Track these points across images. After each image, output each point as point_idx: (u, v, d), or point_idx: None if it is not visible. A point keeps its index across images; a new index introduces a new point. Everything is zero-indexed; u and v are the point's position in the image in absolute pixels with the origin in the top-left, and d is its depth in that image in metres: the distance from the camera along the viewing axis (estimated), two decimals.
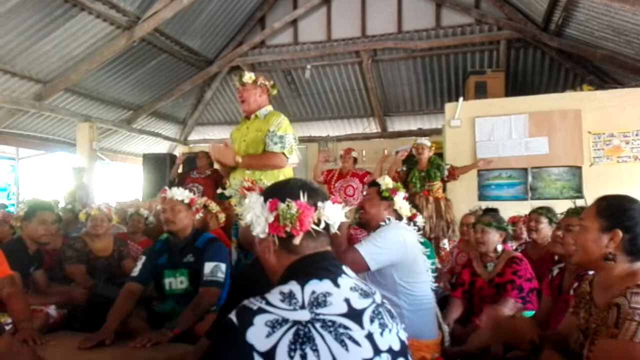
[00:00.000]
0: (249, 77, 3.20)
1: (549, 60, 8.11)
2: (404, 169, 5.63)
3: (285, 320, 1.00)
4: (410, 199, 5.07)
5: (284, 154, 3.10)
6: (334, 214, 1.21)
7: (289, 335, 0.98)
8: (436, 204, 5.32)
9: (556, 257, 3.40)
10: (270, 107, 3.31)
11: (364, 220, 2.64)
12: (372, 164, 6.76)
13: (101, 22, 6.72)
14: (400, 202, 2.63)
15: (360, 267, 2.27)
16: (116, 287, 3.48)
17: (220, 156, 3.10)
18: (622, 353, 1.34)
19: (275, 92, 3.34)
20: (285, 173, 3.17)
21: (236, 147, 3.24)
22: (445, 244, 5.12)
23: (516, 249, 3.74)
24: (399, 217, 2.61)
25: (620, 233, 1.50)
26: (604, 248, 1.52)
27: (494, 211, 3.69)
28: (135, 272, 2.78)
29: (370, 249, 2.32)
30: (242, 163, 3.06)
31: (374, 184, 2.69)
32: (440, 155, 6.54)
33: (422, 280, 2.44)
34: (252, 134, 3.18)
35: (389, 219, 2.53)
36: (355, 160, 5.78)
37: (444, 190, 5.77)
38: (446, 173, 5.44)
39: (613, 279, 1.51)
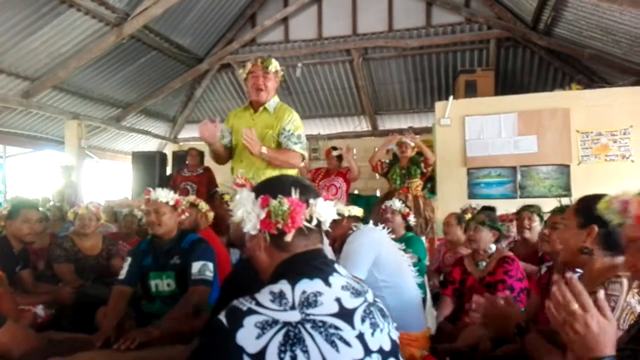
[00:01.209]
0: (274, 65, 2.98)
1: (538, 60, 8.17)
2: (387, 161, 5.64)
3: (276, 322, 0.99)
4: (390, 195, 5.09)
5: (302, 155, 2.98)
6: (326, 211, 1.20)
7: (279, 337, 0.97)
8: (415, 201, 5.34)
9: (540, 254, 3.46)
10: (277, 98, 3.12)
11: (337, 244, 2.76)
12: (362, 162, 6.75)
13: (90, 19, 6.66)
14: (344, 208, 2.77)
15: None
16: (105, 287, 3.46)
17: (250, 142, 2.79)
18: None
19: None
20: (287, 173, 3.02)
21: (238, 137, 3.05)
22: (422, 240, 5.13)
23: (508, 247, 3.75)
24: (360, 221, 2.74)
25: (595, 228, 1.58)
26: (581, 242, 1.60)
27: (490, 210, 3.69)
28: (123, 274, 2.75)
29: (351, 264, 2.38)
30: (265, 154, 2.85)
31: None
32: None
33: (402, 271, 2.50)
34: (260, 129, 2.98)
35: (355, 226, 2.64)
36: (340, 158, 5.65)
37: (429, 187, 5.77)
38: (423, 166, 5.41)
39: (594, 272, 1.58)
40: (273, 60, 2.99)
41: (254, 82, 2.99)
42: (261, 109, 3.02)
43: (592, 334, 1.03)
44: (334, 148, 5.75)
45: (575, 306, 1.06)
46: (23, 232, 3.23)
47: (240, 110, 3.20)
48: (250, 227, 1.17)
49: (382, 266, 2.40)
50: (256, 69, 2.98)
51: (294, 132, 2.94)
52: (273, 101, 3.04)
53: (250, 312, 1.00)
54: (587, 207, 1.62)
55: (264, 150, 2.82)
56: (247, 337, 0.97)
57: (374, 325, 1.11)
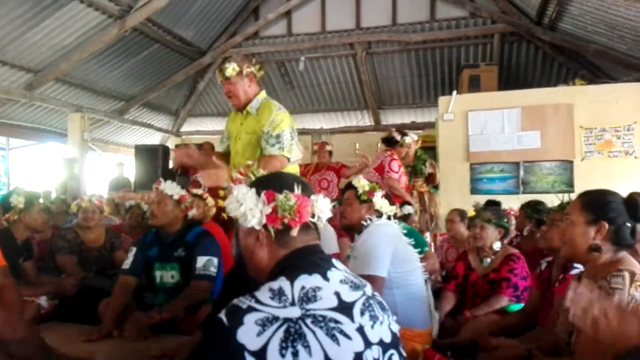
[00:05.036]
0: (232, 69, 2.76)
1: (542, 55, 8.13)
2: None
3: (276, 318, 1.00)
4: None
5: (283, 155, 2.74)
6: (324, 208, 1.22)
7: (280, 334, 0.98)
8: (420, 197, 5.35)
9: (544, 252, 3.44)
10: (262, 95, 2.90)
11: (347, 226, 2.73)
12: None
13: (93, 11, 6.64)
14: (380, 201, 2.66)
15: (379, 284, 2.30)
16: (107, 279, 3.48)
17: (211, 182, 2.62)
18: None
19: (262, 73, 2.91)
20: (289, 170, 2.87)
21: (232, 144, 2.97)
22: (427, 237, 5.15)
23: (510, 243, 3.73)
24: (379, 215, 2.65)
25: (606, 225, 1.56)
26: (590, 240, 1.58)
27: (495, 205, 3.66)
28: (127, 264, 2.75)
29: (372, 265, 2.35)
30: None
31: (350, 186, 2.71)
32: (433, 148, 6.55)
33: (413, 268, 2.49)
34: (245, 135, 2.87)
35: (370, 219, 2.57)
36: (330, 153, 5.92)
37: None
38: (426, 174, 5.45)
39: (598, 267, 1.57)
40: (227, 64, 2.80)
41: (225, 91, 2.89)
42: (245, 112, 2.89)
43: (615, 329, 1.07)
44: (326, 143, 5.94)
45: (596, 307, 1.10)
46: (38, 222, 3.34)
47: (234, 113, 3.04)
48: (255, 222, 1.17)
49: (395, 262, 2.39)
50: (220, 79, 2.86)
51: (273, 133, 2.72)
52: (256, 100, 2.86)
53: (250, 309, 1.01)
54: (596, 203, 1.61)
55: (236, 175, 2.48)
56: (248, 334, 0.97)
57: (374, 318, 1.12)
